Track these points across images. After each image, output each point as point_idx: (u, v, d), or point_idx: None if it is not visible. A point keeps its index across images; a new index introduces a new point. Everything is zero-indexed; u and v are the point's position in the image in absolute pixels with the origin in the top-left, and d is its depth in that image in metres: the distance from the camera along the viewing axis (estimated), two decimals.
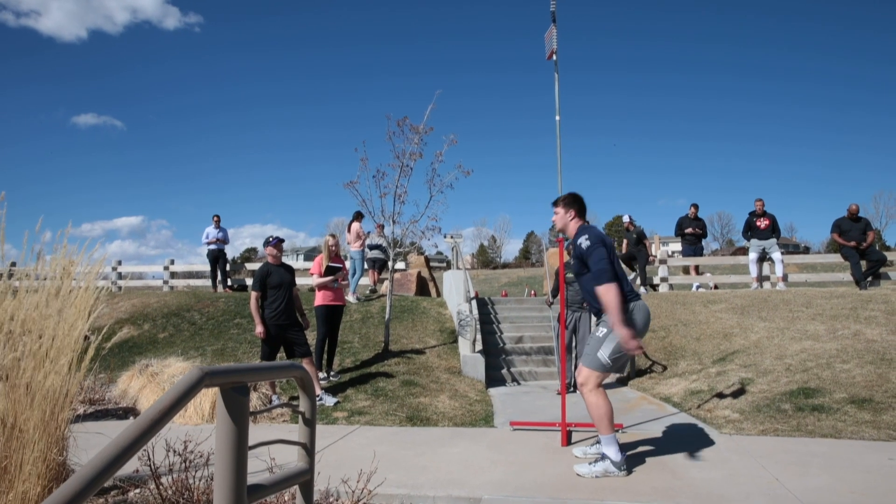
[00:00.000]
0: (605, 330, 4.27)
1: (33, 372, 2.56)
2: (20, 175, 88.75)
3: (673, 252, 15.47)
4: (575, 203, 4.56)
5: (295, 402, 1.99)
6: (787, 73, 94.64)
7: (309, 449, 1.91)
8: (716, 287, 13.26)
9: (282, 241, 6.94)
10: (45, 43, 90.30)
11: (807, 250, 65.44)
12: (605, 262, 4.21)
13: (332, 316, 7.65)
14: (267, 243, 6.90)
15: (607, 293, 4.10)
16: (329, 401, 6.70)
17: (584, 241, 4.36)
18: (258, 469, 3.19)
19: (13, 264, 3.34)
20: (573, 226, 4.56)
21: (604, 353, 4.23)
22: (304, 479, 1.87)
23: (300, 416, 1.94)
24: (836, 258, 12.11)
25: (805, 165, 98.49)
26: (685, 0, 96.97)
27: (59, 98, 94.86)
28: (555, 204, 4.64)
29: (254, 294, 6.61)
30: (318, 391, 6.80)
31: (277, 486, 1.74)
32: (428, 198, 8.79)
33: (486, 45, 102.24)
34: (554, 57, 5.36)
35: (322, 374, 7.53)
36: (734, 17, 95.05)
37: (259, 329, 6.55)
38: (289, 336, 6.64)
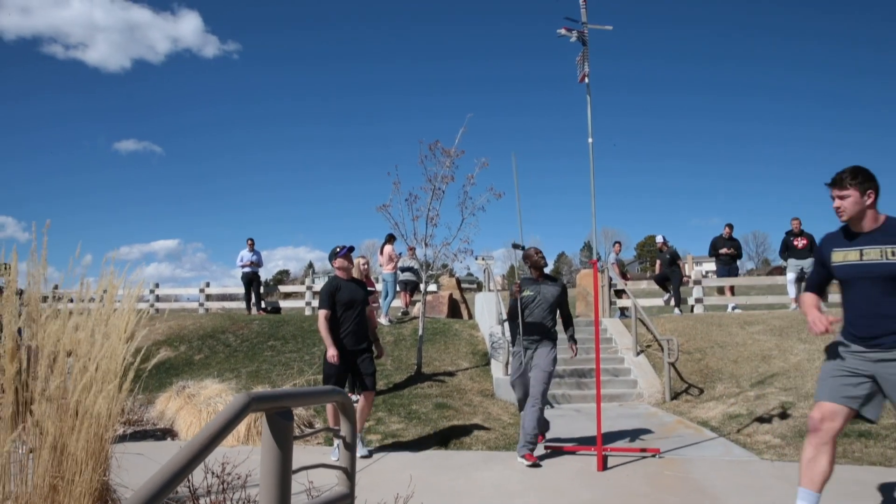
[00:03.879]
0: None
1: (80, 395, 2.64)
2: (64, 200, 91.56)
3: (707, 272, 15.21)
4: (874, 181, 3.12)
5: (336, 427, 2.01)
6: (824, 97, 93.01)
7: (350, 473, 1.93)
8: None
9: (352, 249, 6.00)
10: (90, 74, 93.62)
11: None
12: None
13: None
14: (334, 255, 5.91)
15: None
16: (360, 451, 5.52)
17: None
18: (296, 491, 3.21)
19: (56, 287, 3.45)
20: (871, 215, 3.13)
21: None
22: (344, 503, 1.89)
23: (341, 441, 1.96)
24: None
25: None
26: (719, 21, 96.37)
27: (102, 125, 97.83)
28: (840, 184, 3.12)
29: (322, 313, 5.69)
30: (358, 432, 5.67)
31: None
32: (460, 220, 8.86)
33: (519, 65, 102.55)
34: (586, 80, 5.38)
35: (354, 397, 7.47)
36: (771, 41, 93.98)
37: (332, 352, 5.58)
38: (357, 365, 5.75)
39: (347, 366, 5.70)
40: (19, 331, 2.71)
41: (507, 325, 9.49)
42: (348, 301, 5.72)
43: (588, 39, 5.25)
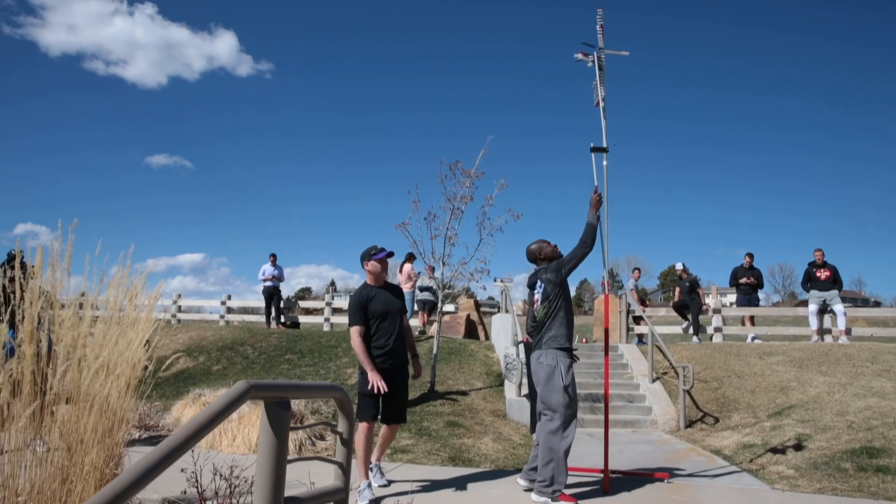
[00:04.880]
0: None
1: (92, 380, 2.76)
2: (95, 211, 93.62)
3: (730, 303, 15.04)
4: None
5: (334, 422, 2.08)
6: (848, 131, 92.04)
7: (345, 468, 1.99)
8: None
9: (391, 254, 5.01)
10: (128, 89, 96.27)
11: (877, 304, 62.20)
12: None
13: None
14: (368, 256, 4.92)
15: None
16: (378, 480, 4.96)
17: None
18: (298, 492, 3.27)
19: (83, 294, 3.60)
20: None
21: None
22: (339, 497, 1.95)
23: (338, 437, 2.03)
24: None
25: (876, 217, 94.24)
26: (742, 50, 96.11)
27: (136, 139, 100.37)
28: None
29: (355, 329, 4.75)
30: (373, 463, 5.04)
31: (313, 501, 1.82)
32: (478, 241, 8.94)
33: (540, 87, 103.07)
34: (602, 104, 5.46)
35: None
36: (798, 71, 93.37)
37: (373, 376, 4.62)
38: (394, 386, 4.77)
39: (387, 387, 4.69)
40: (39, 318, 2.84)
41: (521, 346, 9.51)
42: (383, 312, 4.82)
43: (605, 64, 5.34)
